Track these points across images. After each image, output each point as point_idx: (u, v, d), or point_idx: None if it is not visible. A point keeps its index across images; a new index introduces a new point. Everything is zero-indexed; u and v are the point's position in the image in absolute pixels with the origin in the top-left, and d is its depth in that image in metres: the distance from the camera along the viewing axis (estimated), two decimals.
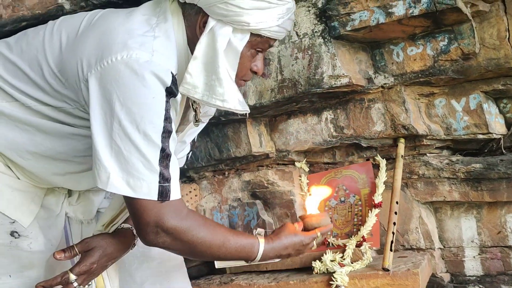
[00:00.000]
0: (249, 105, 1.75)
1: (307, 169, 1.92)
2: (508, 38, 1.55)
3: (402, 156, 1.72)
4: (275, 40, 1.21)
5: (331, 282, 1.56)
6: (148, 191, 1.06)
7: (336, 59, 1.65)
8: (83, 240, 1.22)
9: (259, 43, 1.17)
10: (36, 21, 1.51)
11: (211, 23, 1.11)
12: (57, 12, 1.51)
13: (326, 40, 1.66)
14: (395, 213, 1.64)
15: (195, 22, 1.15)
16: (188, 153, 1.52)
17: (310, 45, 1.69)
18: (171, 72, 1.08)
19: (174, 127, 1.12)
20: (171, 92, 1.09)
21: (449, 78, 1.65)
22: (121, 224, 1.29)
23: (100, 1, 1.52)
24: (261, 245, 1.23)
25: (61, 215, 1.38)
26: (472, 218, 1.75)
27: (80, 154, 1.22)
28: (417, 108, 1.74)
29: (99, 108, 1.06)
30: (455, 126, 1.71)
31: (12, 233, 1.23)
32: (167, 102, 1.07)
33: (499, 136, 1.70)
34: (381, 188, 1.73)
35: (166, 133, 1.07)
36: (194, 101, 1.27)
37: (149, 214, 1.08)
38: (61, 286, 1.17)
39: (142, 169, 1.05)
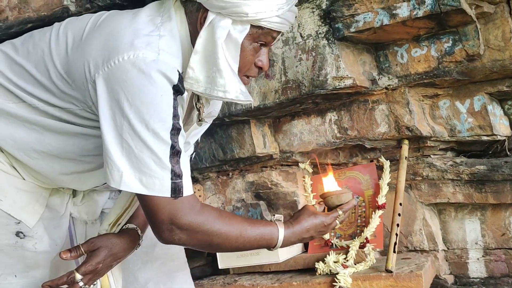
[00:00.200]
0: (253, 106, 1.78)
1: (310, 170, 1.92)
2: None
3: (406, 157, 1.72)
4: (278, 33, 1.19)
5: (334, 283, 1.56)
6: (161, 188, 1.07)
7: (340, 61, 1.66)
8: (88, 240, 1.22)
9: (260, 35, 1.16)
10: (41, 23, 1.52)
11: (210, 16, 1.12)
12: (63, 14, 1.52)
13: (330, 41, 1.67)
14: (399, 214, 1.64)
15: (196, 18, 1.16)
16: (192, 154, 1.53)
17: (314, 46, 1.69)
18: (178, 70, 1.09)
19: (182, 124, 1.13)
20: (178, 90, 1.09)
21: (454, 80, 1.65)
22: (126, 224, 1.29)
23: (105, 3, 1.53)
24: (281, 231, 1.22)
25: (66, 216, 1.39)
26: (476, 220, 1.75)
27: (87, 154, 1.23)
28: (421, 110, 1.74)
29: (108, 109, 1.07)
30: (459, 127, 1.71)
31: (17, 234, 1.24)
32: (174, 99, 1.08)
33: (504, 138, 1.70)
34: (384, 189, 1.73)
35: (175, 130, 1.08)
36: (198, 101, 1.27)
37: (163, 211, 1.09)
38: (67, 285, 1.17)
39: (153, 167, 1.06)
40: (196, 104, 1.27)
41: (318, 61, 1.68)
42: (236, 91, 1.12)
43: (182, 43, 1.16)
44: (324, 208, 1.33)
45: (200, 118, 1.29)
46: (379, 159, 1.80)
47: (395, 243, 1.58)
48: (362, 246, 1.66)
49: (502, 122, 1.71)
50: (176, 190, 1.08)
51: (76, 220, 1.43)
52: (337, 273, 1.57)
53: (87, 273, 1.18)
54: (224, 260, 1.77)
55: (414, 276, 1.50)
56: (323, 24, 1.68)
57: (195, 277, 1.66)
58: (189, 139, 1.44)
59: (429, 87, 1.71)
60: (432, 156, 1.77)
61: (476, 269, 1.74)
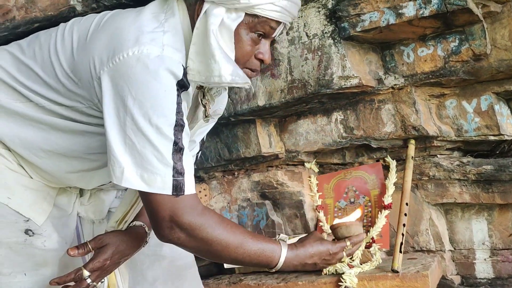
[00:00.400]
0: (258, 106, 1.79)
1: (316, 170, 1.92)
2: None
3: (412, 157, 1.72)
4: (277, 23, 1.17)
5: (340, 283, 1.55)
6: (162, 185, 1.06)
7: (346, 60, 1.65)
8: (96, 237, 1.23)
9: (257, 24, 1.15)
10: (48, 23, 1.53)
11: (205, 6, 1.12)
12: (69, 14, 1.53)
13: (336, 41, 1.66)
14: (405, 214, 1.63)
15: (194, 11, 1.16)
16: (198, 153, 1.53)
17: (320, 46, 1.69)
18: (182, 65, 1.09)
19: (186, 121, 1.12)
20: (182, 85, 1.09)
21: (460, 79, 1.64)
22: (133, 221, 1.29)
23: (111, 3, 1.53)
24: (284, 251, 1.19)
25: (73, 215, 1.40)
26: (483, 220, 1.74)
27: (93, 152, 1.24)
28: (427, 109, 1.73)
29: (112, 104, 1.07)
30: (466, 127, 1.70)
31: (26, 231, 1.25)
32: (178, 96, 1.08)
33: (511, 138, 1.69)
34: (391, 189, 1.73)
35: (179, 127, 1.08)
36: (203, 97, 1.27)
37: (164, 208, 1.08)
38: (74, 282, 1.18)
39: (155, 163, 1.06)
40: (201, 101, 1.27)
41: (324, 61, 1.68)
42: (231, 74, 1.10)
43: (185, 37, 1.16)
44: (333, 239, 1.28)
45: (206, 115, 1.28)
46: (385, 158, 1.80)
47: (401, 243, 1.57)
48: (368, 246, 1.65)
49: (509, 122, 1.70)
50: (178, 188, 1.08)
51: (83, 220, 1.44)
52: (343, 273, 1.56)
53: (94, 269, 1.18)
54: None
55: (421, 276, 1.49)
56: (329, 24, 1.68)
57: (200, 276, 1.66)
58: (194, 138, 1.44)
59: (436, 87, 1.70)
60: (438, 156, 1.76)
61: (483, 269, 1.73)
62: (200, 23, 1.12)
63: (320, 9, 1.69)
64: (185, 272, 1.48)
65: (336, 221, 1.34)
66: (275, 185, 1.94)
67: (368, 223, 1.74)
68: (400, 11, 1.54)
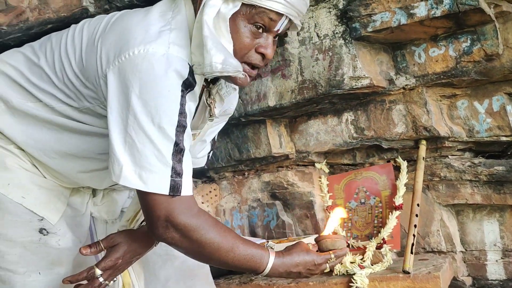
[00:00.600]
0: (269, 106, 1.79)
1: (327, 170, 1.92)
2: None
3: (423, 158, 1.71)
4: (278, 15, 1.13)
5: (351, 284, 1.55)
6: (159, 185, 1.06)
7: (357, 60, 1.65)
8: (108, 236, 1.23)
9: (255, 15, 1.12)
10: (61, 24, 1.55)
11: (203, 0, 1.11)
12: (82, 15, 1.54)
13: (347, 41, 1.66)
14: (416, 215, 1.63)
15: (197, 5, 1.15)
16: (209, 153, 1.53)
17: (331, 46, 1.69)
18: (188, 63, 1.09)
19: (189, 123, 1.12)
20: (188, 85, 1.09)
21: (472, 80, 1.63)
22: (143, 220, 1.30)
23: (123, 4, 1.55)
24: (271, 258, 1.19)
25: (87, 215, 1.41)
26: (495, 221, 1.73)
27: (104, 152, 1.24)
28: (439, 110, 1.72)
29: (116, 102, 1.08)
30: (477, 128, 1.69)
31: (40, 230, 1.26)
32: (182, 97, 1.08)
33: None
34: (402, 190, 1.72)
35: (181, 128, 1.08)
36: (208, 97, 1.27)
37: (160, 208, 1.08)
38: (87, 281, 1.18)
39: (154, 162, 1.06)
40: (206, 100, 1.27)
41: (335, 61, 1.68)
42: (221, 63, 1.07)
43: (191, 33, 1.15)
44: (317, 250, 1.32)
45: (210, 114, 1.28)
46: (396, 159, 1.79)
47: (413, 244, 1.57)
48: (379, 247, 1.65)
49: None
50: (175, 188, 1.08)
51: (96, 220, 1.45)
52: (354, 274, 1.56)
53: (106, 268, 1.18)
54: None
55: (432, 277, 1.49)
56: (339, 24, 1.67)
57: None
58: (205, 137, 1.44)
59: (447, 87, 1.70)
60: (450, 156, 1.75)
61: (495, 271, 1.72)
62: (199, 16, 1.11)
63: (331, 10, 1.69)
64: (197, 272, 1.48)
65: (324, 232, 1.40)
66: (286, 186, 1.94)
67: (379, 223, 1.74)
68: (411, 11, 1.54)
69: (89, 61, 1.15)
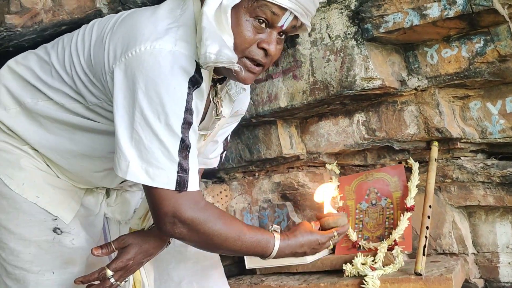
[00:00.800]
0: (280, 107, 1.79)
1: (338, 171, 1.92)
2: None
3: (435, 159, 1.70)
4: (280, 9, 1.10)
5: (362, 286, 1.55)
6: (166, 180, 1.07)
7: (368, 61, 1.65)
8: (119, 237, 1.24)
9: (256, 8, 1.10)
10: (75, 25, 1.56)
11: None
12: (95, 17, 1.55)
13: (358, 42, 1.66)
14: (428, 217, 1.62)
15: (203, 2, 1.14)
16: (222, 153, 1.53)
17: (343, 47, 1.68)
18: (195, 60, 1.09)
19: (195, 120, 1.12)
20: (195, 82, 1.09)
21: (485, 81, 1.62)
22: None
23: (137, 5, 1.55)
24: (277, 241, 1.23)
25: (100, 215, 1.42)
26: (508, 223, 1.71)
27: (114, 150, 1.25)
28: (451, 111, 1.71)
29: (122, 98, 1.08)
30: (490, 129, 1.68)
31: (54, 230, 1.27)
32: (189, 94, 1.08)
33: None
34: (413, 191, 1.71)
35: (186, 124, 1.08)
36: (215, 95, 1.28)
37: (167, 204, 1.08)
38: (98, 281, 1.19)
39: (161, 158, 1.06)
40: (213, 99, 1.27)
41: (347, 62, 1.67)
42: (215, 53, 1.06)
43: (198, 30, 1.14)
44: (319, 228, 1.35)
45: (217, 113, 1.28)
46: (408, 160, 1.78)
47: (425, 246, 1.56)
48: (390, 249, 1.64)
49: None
50: (181, 184, 1.08)
51: (110, 220, 1.46)
52: (365, 275, 1.56)
53: (118, 269, 1.19)
54: (251, 260, 1.78)
55: (444, 279, 1.48)
56: (351, 25, 1.67)
57: None
58: (217, 138, 1.44)
59: (460, 88, 1.69)
60: (462, 158, 1.74)
61: (507, 273, 1.71)
62: (202, 8, 1.10)
63: (342, 10, 1.69)
64: (210, 273, 1.49)
65: (325, 210, 1.45)
66: (296, 186, 1.94)
67: (390, 225, 1.73)
68: (424, 12, 1.53)
69: (97, 57, 1.16)
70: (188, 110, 1.08)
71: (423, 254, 1.54)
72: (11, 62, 1.33)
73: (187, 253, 1.46)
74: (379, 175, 1.81)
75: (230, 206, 2.05)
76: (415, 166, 1.75)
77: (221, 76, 1.25)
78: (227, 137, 1.53)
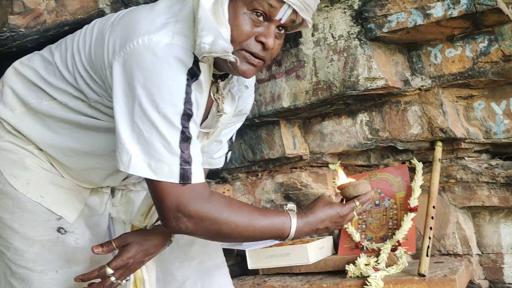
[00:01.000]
0: (283, 107, 1.78)
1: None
2: None
3: (439, 159, 1.69)
4: (279, 2, 1.09)
5: (365, 287, 1.54)
6: (169, 173, 1.06)
7: (372, 61, 1.64)
8: (120, 235, 1.24)
9: (254, 1, 1.08)
10: (78, 26, 1.56)
11: None
12: (98, 17, 1.54)
13: (362, 42, 1.65)
14: (432, 217, 1.61)
15: None
16: (227, 153, 1.52)
17: (346, 47, 1.68)
18: (193, 53, 1.08)
19: (196, 112, 1.11)
20: (193, 74, 1.08)
21: (489, 80, 1.61)
22: (158, 219, 1.30)
23: (139, 5, 1.55)
24: (293, 221, 1.17)
25: (105, 215, 1.42)
26: None
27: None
28: (455, 111, 1.71)
29: (121, 92, 1.08)
30: (494, 129, 1.67)
31: (58, 229, 1.27)
32: (187, 85, 1.07)
33: None
34: (417, 192, 1.70)
35: (186, 116, 1.07)
36: (216, 92, 1.27)
37: (170, 198, 1.07)
38: (99, 280, 1.19)
39: (162, 151, 1.05)
40: (213, 95, 1.26)
41: (350, 62, 1.67)
42: (209, 44, 1.05)
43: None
44: (342, 200, 1.27)
45: (218, 110, 1.27)
46: (412, 161, 1.77)
47: (428, 247, 1.55)
48: (393, 249, 1.64)
49: None
50: (185, 177, 1.07)
51: (115, 220, 1.46)
52: (368, 276, 1.55)
53: (118, 267, 1.18)
54: (254, 261, 1.78)
55: (448, 280, 1.47)
56: (355, 25, 1.67)
57: None
58: (221, 137, 1.44)
59: (464, 88, 1.68)
60: (466, 158, 1.73)
61: None
62: (199, 2, 1.10)
63: (346, 10, 1.68)
64: (215, 273, 1.48)
65: (344, 180, 1.32)
66: (299, 187, 1.93)
67: (394, 225, 1.73)
68: (428, 11, 1.52)
69: (97, 54, 1.16)
70: (188, 102, 1.07)
71: (427, 255, 1.54)
72: (16, 64, 1.34)
73: (191, 253, 1.45)
74: (383, 175, 1.81)
75: None
76: (419, 166, 1.74)
77: (223, 72, 1.25)
78: (232, 137, 1.52)
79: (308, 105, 1.76)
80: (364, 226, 1.79)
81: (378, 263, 1.61)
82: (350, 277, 1.61)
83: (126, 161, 1.07)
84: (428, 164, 1.75)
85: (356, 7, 1.66)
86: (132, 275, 1.28)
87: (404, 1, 1.56)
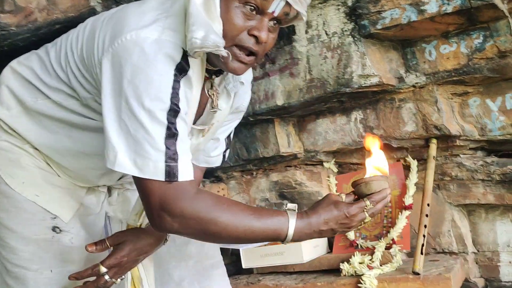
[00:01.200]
0: (277, 105, 1.77)
1: (335, 170, 1.90)
2: None
3: (434, 157, 1.68)
4: None
5: (359, 285, 1.54)
6: (154, 170, 1.03)
7: (366, 58, 1.63)
8: (114, 234, 1.23)
9: None
10: (69, 24, 1.55)
11: None
12: (90, 15, 1.54)
13: (355, 39, 1.64)
14: (426, 215, 1.60)
15: None
16: (225, 152, 1.51)
17: (340, 44, 1.67)
18: (182, 48, 1.07)
19: (184, 108, 1.09)
20: (181, 70, 1.07)
21: (484, 77, 1.60)
22: None
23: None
24: (292, 222, 1.08)
25: (102, 214, 1.42)
26: (508, 221, 1.69)
27: None
28: (450, 108, 1.69)
29: (110, 88, 1.07)
30: (490, 126, 1.66)
31: (53, 228, 1.26)
32: (175, 81, 1.05)
33: None
34: (412, 189, 1.70)
35: (173, 112, 1.05)
36: (210, 88, 1.26)
37: (154, 196, 1.04)
38: (94, 278, 1.18)
39: (148, 148, 1.03)
40: (208, 91, 1.24)
41: (344, 59, 1.66)
42: (201, 39, 1.04)
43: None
44: (357, 199, 1.12)
45: (212, 106, 1.25)
46: (406, 158, 1.77)
47: (423, 245, 1.55)
48: (388, 247, 1.63)
49: None
50: (171, 174, 1.04)
51: (112, 219, 1.45)
52: (362, 275, 1.55)
53: (111, 266, 1.18)
54: (248, 260, 1.77)
55: (443, 278, 1.46)
56: (348, 22, 1.65)
57: None
58: (218, 135, 1.43)
59: (459, 85, 1.67)
60: (461, 155, 1.72)
61: (508, 272, 1.69)
62: None
63: (339, 7, 1.67)
64: (212, 272, 1.46)
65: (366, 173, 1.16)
66: (294, 185, 1.93)
67: (388, 223, 1.72)
68: (422, 7, 1.51)
69: (88, 52, 1.15)
70: (175, 98, 1.05)
71: (421, 253, 1.53)
72: (13, 63, 1.34)
73: (188, 252, 1.44)
74: None
75: None
76: (413, 164, 1.73)
77: (217, 68, 1.24)
78: (229, 135, 1.51)
79: (302, 103, 1.75)
80: None
81: (373, 262, 1.60)
82: (345, 275, 1.61)
83: (112, 157, 1.06)
84: (422, 162, 1.74)
85: (349, 3, 1.64)
86: (129, 274, 1.27)
87: None
